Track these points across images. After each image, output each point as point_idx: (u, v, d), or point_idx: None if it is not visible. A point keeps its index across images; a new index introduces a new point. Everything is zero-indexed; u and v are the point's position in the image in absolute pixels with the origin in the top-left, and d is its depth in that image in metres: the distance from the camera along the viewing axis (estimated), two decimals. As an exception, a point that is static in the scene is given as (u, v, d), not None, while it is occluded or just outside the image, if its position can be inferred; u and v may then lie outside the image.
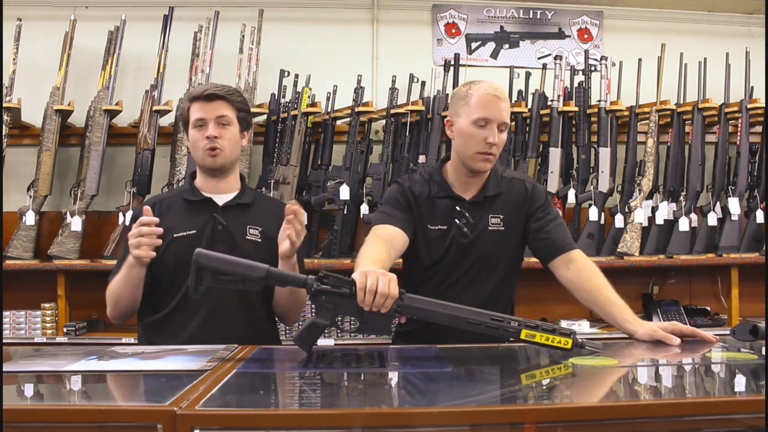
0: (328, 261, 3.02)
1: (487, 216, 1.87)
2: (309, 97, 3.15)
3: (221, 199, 1.91)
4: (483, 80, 1.87)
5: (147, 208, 1.75)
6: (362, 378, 1.36)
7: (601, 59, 3.29)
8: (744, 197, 3.24)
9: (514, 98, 3.29)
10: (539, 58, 3.48)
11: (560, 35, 3.55)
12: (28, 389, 1.29)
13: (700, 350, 1.55)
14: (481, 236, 1.86)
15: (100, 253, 3.09)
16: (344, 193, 3.04)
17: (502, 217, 1.88)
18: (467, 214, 1.87)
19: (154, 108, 3.08)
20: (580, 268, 1.83)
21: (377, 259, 1.62)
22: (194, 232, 1.87)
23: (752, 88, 3.25)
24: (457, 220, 1.86)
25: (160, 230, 1.71)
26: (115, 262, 1.91)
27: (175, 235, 1.85)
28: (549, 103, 3.22)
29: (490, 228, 1.87)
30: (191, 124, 1.89)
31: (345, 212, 3.08)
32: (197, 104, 1.88)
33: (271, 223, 1.89)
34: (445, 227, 1.87)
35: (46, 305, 3.05)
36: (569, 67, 3.30)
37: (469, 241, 1.86)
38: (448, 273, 1.88)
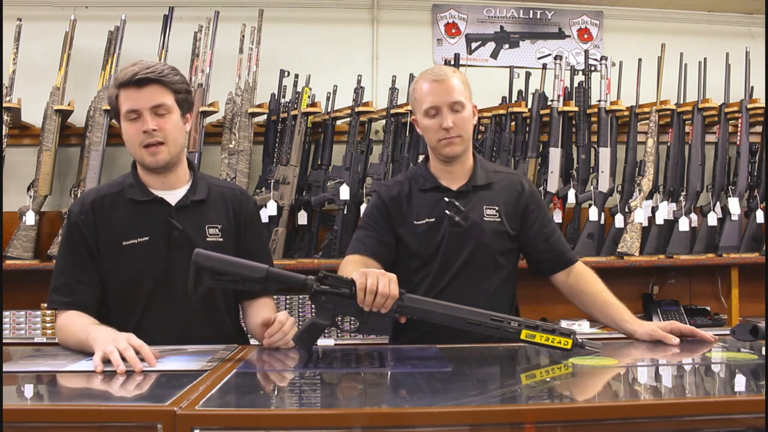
0: (328, 261, 3.01)
1: (481, 207, 1.87)
2: (309, 97, 3.14)
3: (173, 197, 1.68)
4: (428, 69, 1.87)
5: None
6: (362, 378, 1.36)
7: (601, 59, 3.28)
8: (744, 197, 3.24)
9: (514, 98, 3.29)
10: (539, 58, 3.48)
11: (560, 35, 3.55)
12: (28, 389, 1.29)
13: (700, 350, 1.55)
14: (476, 226, 1.85)
15: (100, 253, 3.09)
16: (344, 193, 3.04)
17: (497, 208, 1.87)
18: (457, 203, 1.85)
19: (154, 108, 3.07)
20: (580, 274, 1.86)
21: (366, 265, 1.62)
22: (147, 239, 1.65)
23: (752, 88, 3.25)
24: (447, 211, 1.85)
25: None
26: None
27: (124, 243, 1.64)
28: (549, 103, 3.22)
29: (485, 219, 1.86)
30: (123, 116, 1.61)
31: (345, 212, 3.07)
32: (127, 92, 1.59)
33: (228, 216, 1.72)
34: (433, 219, 1.86)
35: (46, 305, 3.04)
36: (569, 67, 3.29)
37: (463, 230, 1.84)
38: (446, 266, 1.85)
